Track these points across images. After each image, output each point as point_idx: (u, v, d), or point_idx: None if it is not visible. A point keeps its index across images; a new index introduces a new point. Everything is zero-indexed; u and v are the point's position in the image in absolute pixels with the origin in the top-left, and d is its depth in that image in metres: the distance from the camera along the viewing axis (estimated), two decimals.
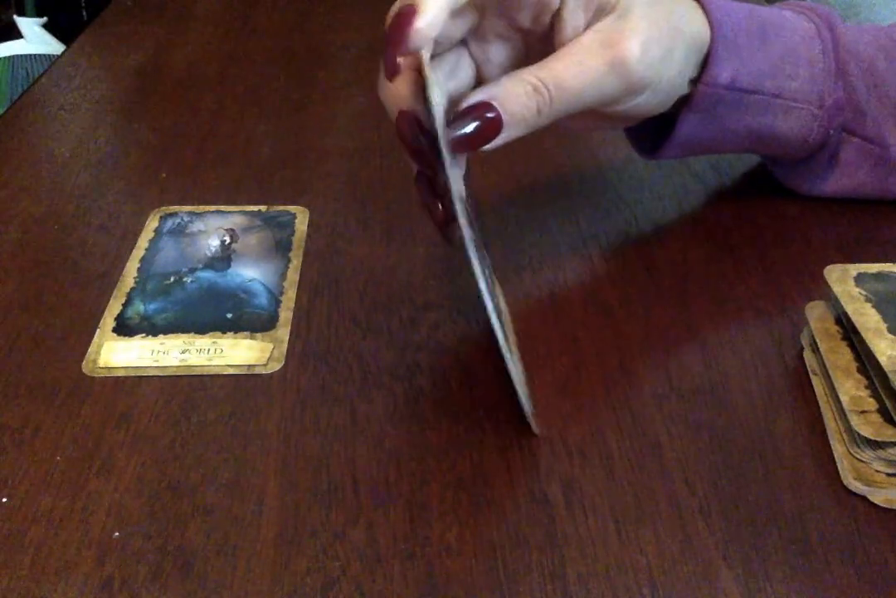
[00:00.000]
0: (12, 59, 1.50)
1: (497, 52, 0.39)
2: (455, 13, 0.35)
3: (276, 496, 0.32)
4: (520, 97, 0.35)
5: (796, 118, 0.44)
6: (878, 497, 0.31)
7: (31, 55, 1.50)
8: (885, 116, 0.45)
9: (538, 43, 0.39)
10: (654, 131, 0.45)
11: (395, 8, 0.34)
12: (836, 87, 0.44)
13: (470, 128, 0.34)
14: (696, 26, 0.40)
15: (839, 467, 0.33)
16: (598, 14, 0.37)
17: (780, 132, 0.45)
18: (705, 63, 0.41)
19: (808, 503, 0.32)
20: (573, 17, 0.37)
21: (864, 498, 0.32)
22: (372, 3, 0.80)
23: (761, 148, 0.47)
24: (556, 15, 0.37)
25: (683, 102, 0.42)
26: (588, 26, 0.37)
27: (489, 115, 0.35)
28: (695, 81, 0.41)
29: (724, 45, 0.41)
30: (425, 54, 0.35)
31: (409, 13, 0.32)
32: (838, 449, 0.33)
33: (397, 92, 0.35)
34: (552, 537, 0.31)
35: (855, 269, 0.37)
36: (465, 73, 0.39)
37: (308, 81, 0.66)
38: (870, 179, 0.47)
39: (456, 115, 0.35)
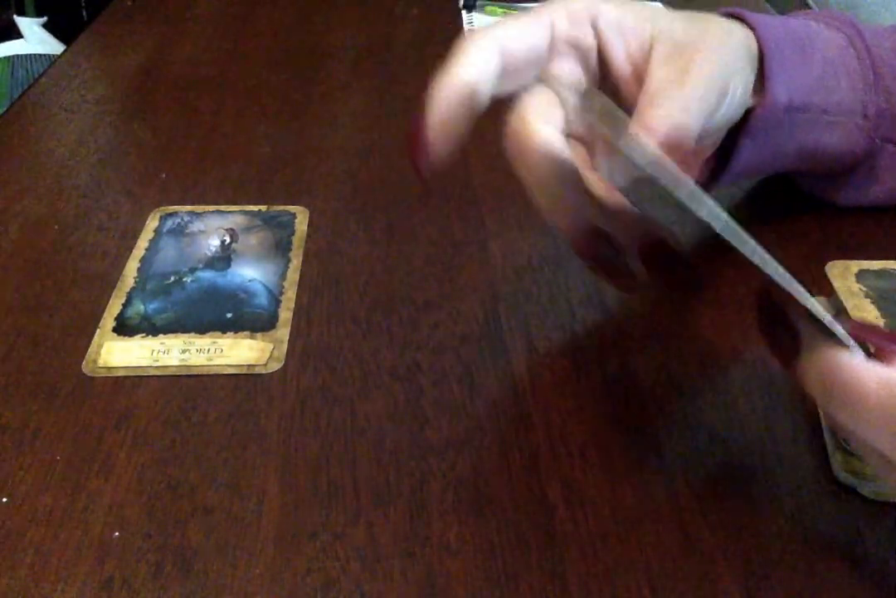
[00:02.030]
0: (12, 59, 1.50)
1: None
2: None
3: (276, 496, 0.32)
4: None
5: (842, 132, 0.43)
6: (866, 489, 0.32)
7: (31, 55, 1.50)
8: None
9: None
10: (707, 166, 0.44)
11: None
12: (878, 97, 0.43)
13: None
14: (744, 36, 0.39)
15: (831, 461, 0.33)
16: (643, 47, 0.36)
17: (828, 148, 0.44)
18: (763, 87, 0.39)
19: (808, 502, 0.32)
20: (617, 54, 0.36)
21: (863, 498, 0.32)
22: (372, 4, 0.80)
23: (807, 165, 0.46)
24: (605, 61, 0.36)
25: (738, 131, 0.41)
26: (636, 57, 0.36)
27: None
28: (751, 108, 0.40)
29: (776, 63, 0.39)
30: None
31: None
32: (831, 443, 0.33)
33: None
34: (552, 537, 0.31)
35: (857, 265, 0.37)
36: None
37: (308, 81, 0.66)
38: None
39: None
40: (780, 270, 0.27)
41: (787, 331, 0.28)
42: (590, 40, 0.36)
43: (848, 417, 0.26)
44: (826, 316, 0.26)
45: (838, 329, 0.26)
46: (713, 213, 0.26)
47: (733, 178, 0.44)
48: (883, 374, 0.25)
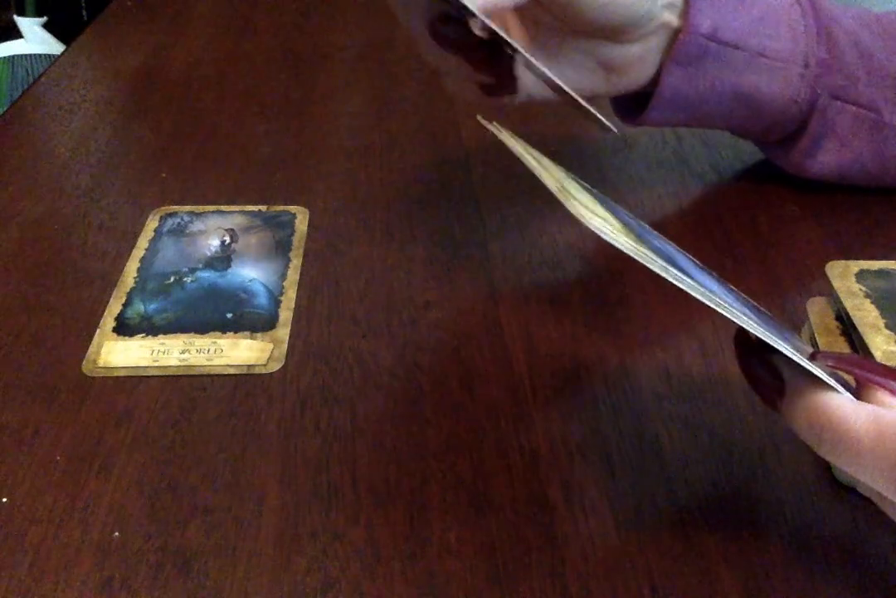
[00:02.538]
0: (12, 59, 1.50)
1: None
2: None
3: (276, 496, 0.32)
4: None
5: (782, 78, 0.44)
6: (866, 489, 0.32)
7: (31, 55, 1.50)
8: (876, 85, 0.45)
9: None
10: (637, 101, 0.46)
11: None
12: (820, 49, 0.44)
13: None
14: None
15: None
16: None
17: (766, 94, 0.45)
18: (685, 14, 0.42)
19: (808, 502, 0.32)
20: None
21: (863, 498, 0.32)
22: (372, 4, 0.80)
23: (750, 115, 0.47)
24: None
25: (667, 56, 0.43)
26: None
27: None
28: (675, 33, 0.42)
29: None
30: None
31: None
32: None
33: None
34: (552, 537, 0.31)
35: (857, 265, 0.37)
36: None
37: (308, 81, 0.66)
38: (867, 148, 0.47)
39: None
40: (746, 311, 0.26)
41: (768, 371, 0.28)
42: None
43: (841, 460, 0.25)
44: (802, 359, 0.25)
45: (817, 370, 0.25)
46: (665, 267, 0.25)
47: (666, 109, 0.45)
48: (871, 415, 0.24)
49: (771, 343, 0.25)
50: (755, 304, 0.31)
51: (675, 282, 0.24)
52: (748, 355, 0.28)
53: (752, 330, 0.25)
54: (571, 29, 0.41)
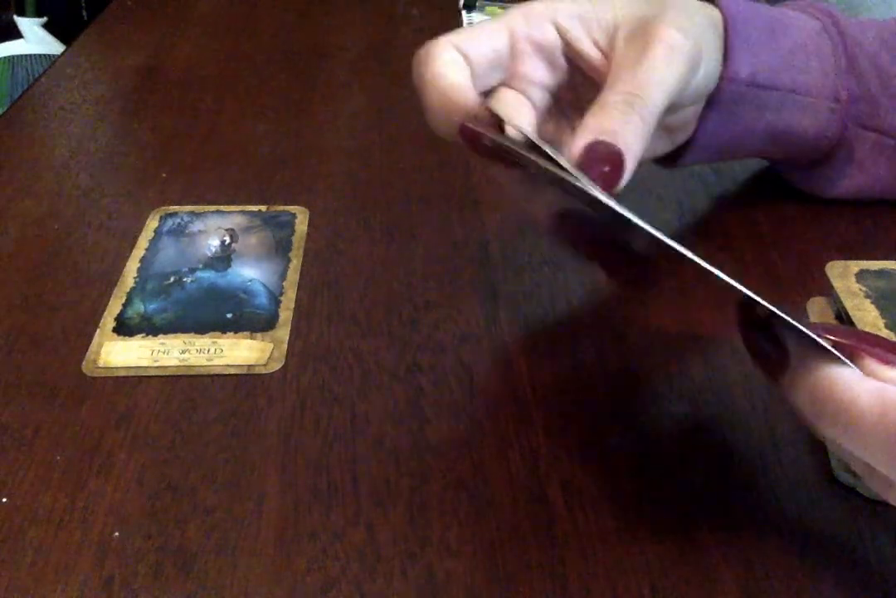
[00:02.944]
0: (12, 59, 1.50)
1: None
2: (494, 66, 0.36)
3: (276, 496, 0.32)
4: (619, 119, 0.33)
5: (813, 113, 0.44)
6: (866, 489, 0.32)
7: (31, 55, 1.50)
8: (893, 108, 0.45)
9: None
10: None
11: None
12: (849, 81, 0.44)
13: (598, 174, 0.32)
14: (710, 13, 0.40)
15: (831, 460, 0.33)
16: (608, 33, 0.37)
17: (798, 129, 0.44)
18: (725, 61, 0.41)
19: (808, 502, 0.32)
20: (586, 46, 0.37)
21: (863, 498, 0.32)
22: (372, 4, 0.80)
23: (780, 149, 0.47)
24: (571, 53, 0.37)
25: (706, 104, 0.42)
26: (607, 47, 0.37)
27: (609, 152, 0.32)
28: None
29: (739, 39, 0.41)
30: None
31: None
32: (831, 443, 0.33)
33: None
34: (552, 537, 0.31)
35: (857, 265, 0.37)
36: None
37: (308, 81, 0.66)
38: (885, 172, 0.47)
39: (578, 164, 0.32)
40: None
41: (772, 344, 0.27)
42: (551, 37, 0.37)
43: (842, 435, 0.25)
44: (811, 331, 0.25)
45: (826, 343, 0.25)
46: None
47: (702, 152, 0.45)
48: (877, 390, 0.24)
49: (781, 315, 0.25)
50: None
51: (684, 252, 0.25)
52: (752, 328, 0.27)
53: (762, 302, 0.25)
54: None
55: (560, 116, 0.39)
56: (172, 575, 0.30)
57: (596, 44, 0.37)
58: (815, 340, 0.25)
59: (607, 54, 0.37)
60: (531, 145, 0.30)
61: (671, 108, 0.38)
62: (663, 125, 0.41)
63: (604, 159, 0.32)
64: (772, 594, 0.29)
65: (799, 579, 0.29)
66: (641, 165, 0.34)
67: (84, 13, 1.53)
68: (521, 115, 0.36)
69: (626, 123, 0.33)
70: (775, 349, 0.27)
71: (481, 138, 0.32)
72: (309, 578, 0.29)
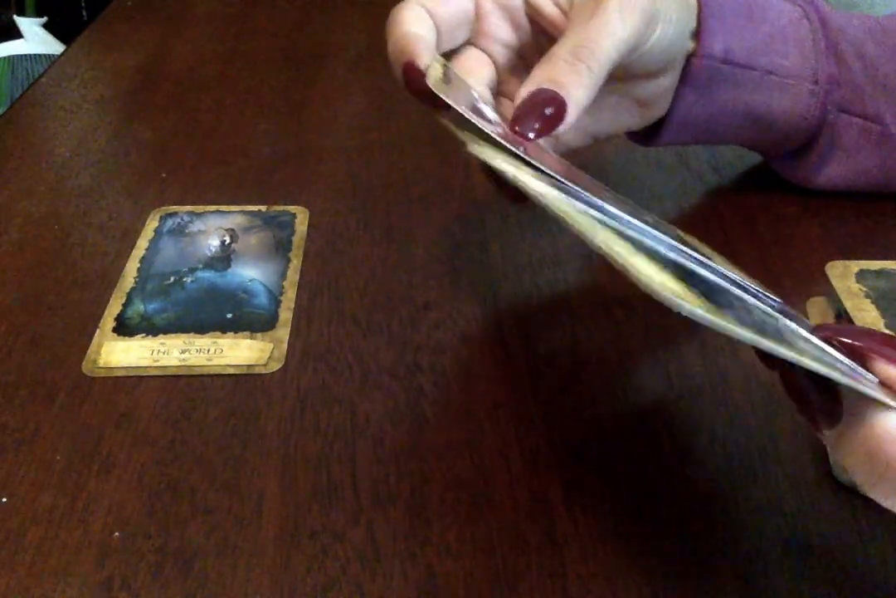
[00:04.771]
0: (12, 59, 1.50)
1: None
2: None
3: (276, 496, 0.32)
4: (564, 69, 0.34)
5: (792, 95, 0.44)
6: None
7: (31, 55, 1.50)
8: (881, 97, 0.45)
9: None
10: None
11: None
12: (829, 64, 0.44)
13: (538, 118, 0.33)
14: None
15: (831, 461, 0.33)
16: None
17: (777, 111, 0.45)
18: (698, 37, 0.41)
19: (808, 502, 0.32)
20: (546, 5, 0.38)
21: (863, 498, 0.32)
22: (372, 4, 0.80)
23: (760, 132, 0.47)
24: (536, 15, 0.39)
25: (680, 80, 0.42)
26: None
27: (550, 98, 0.33)
28: (689, 57, 0.42)
29: (714, 19, 0.41)
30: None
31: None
32: None
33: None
34: (552, 537, 0.31)
35: (857, 265, 0.37)
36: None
37: (308, 81, 0.66)
38: (872, 161, 0.47)
39: (518, 109, 0.33)
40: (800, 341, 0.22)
41: (822, 392, 0.23)
42: None
43: None
44: (862, 384, 0.21)
45: (878, 393, 0.21)
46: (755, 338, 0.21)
47: (680, 131, 0.45)
48: None
49: (827, 375, 0.21)
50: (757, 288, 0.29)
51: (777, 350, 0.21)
52: (792, 369, 0.24)
53: (807, 364, 0.21)
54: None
55: (526, 74, 0.39)
56: (172, 575, 0.30)
57: (556, 3, 0.38)
58: (860, 390, 0.21)
59: (566, 12, 0.38)
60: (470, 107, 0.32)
61: (638, 75, 0.40)
62: (634, 97, 0.42)
63: (546, 103, 0.33)
64: (772, 595, 0.29)
65: (799, 579, 0.29)
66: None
67: (84, 13, 1.53)
68: (480, 72, 0.38)
69: (570, 73, 0.34)
70: (821, 394, 0.23)
71: (426, 78, 0.33)
72: (309, 578, 0.29)
